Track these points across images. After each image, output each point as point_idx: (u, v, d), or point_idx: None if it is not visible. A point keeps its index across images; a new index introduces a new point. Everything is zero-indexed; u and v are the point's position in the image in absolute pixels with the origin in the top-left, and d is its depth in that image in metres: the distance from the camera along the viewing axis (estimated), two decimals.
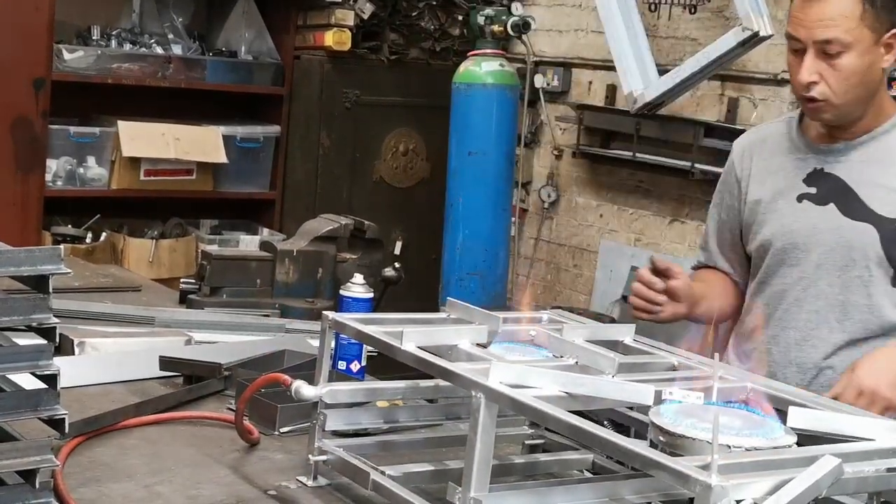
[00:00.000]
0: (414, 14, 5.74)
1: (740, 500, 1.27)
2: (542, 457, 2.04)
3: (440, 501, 1.69)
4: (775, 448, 1.45)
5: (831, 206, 2.34)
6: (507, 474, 1.92)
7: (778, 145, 2.45)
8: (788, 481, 1.30)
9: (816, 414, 1.57)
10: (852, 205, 2.31)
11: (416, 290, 4.99)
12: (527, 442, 2.12)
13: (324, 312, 1.91)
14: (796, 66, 2.28)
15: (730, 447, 1.43)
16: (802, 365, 2.35)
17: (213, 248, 3.45)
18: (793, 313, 2.38)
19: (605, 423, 1.90)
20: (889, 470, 1.42)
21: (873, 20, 2.23)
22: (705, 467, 1.29)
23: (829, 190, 2.34)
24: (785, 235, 2.38)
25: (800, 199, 2.37)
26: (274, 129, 5.60)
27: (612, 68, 5.12)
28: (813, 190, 2.36)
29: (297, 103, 5.63)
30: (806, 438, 1.53)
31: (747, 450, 1.43)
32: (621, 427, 1.90)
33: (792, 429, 1.54)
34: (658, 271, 2.38)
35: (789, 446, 1.47)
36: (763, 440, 1.47)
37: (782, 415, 1.57)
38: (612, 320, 4.90)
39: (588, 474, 1.97)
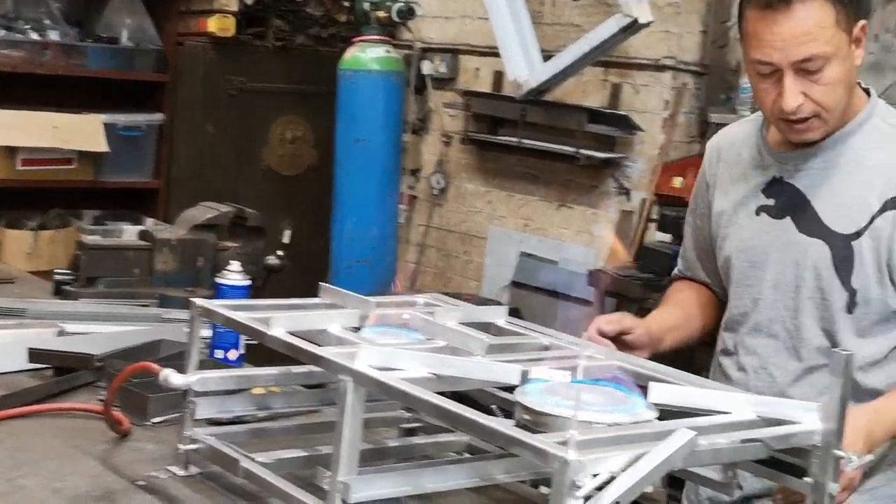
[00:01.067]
0: (300, 0, 5.70)
1: (596, 475, 1.28)
2: (417, 439, 2.04)
3: (311, 487, 1.68)
4: (635, 423, 1.47)
5: (787, 220, 2.09)
6: (381, 458, 1.92)
7: (744, 150, 2.20)
8: (644, 455, 1.32)
9: (676, 389, 1.59)
10: (806, 219, 2.07)
11: (306, 280, 4.94)
12: (402, 425, 2.12)
13: (191, 300, 1.88)
14: (769, 90, 2.01)
15: (591, 423, 1.45)
16: (762, 394, 1.99)
17: (88, 238, 3.38)
18: (753, 337, 2.15)
19: (493, 407, 1.90)
20: (744, 441, 1.45)
21: (845, 21, 1.98)
22: (564, 443, 1.31)
23: (786, 202, 2.10)
24: (743, 252, 2.16)
25: (758, 211, 2.13)
26: (157, 117, 5.52)
27: (499, 54, 5.14)
28: (771, 202, 2.12)
29: (180, 90, 5.55)
30: (672, 414, 1.55)
31: (609, 426, 1.45)
32: (508, 413, 1.89)
33: (654, 404, 1.57)
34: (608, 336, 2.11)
35: (649, 421, 1.49)
36: (625, 416, 1.49)
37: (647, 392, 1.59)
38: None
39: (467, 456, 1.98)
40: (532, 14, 5.18)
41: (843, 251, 2.03)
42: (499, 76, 5.49)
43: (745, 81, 4.31)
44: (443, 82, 5.79)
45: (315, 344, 1.75)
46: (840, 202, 2.04)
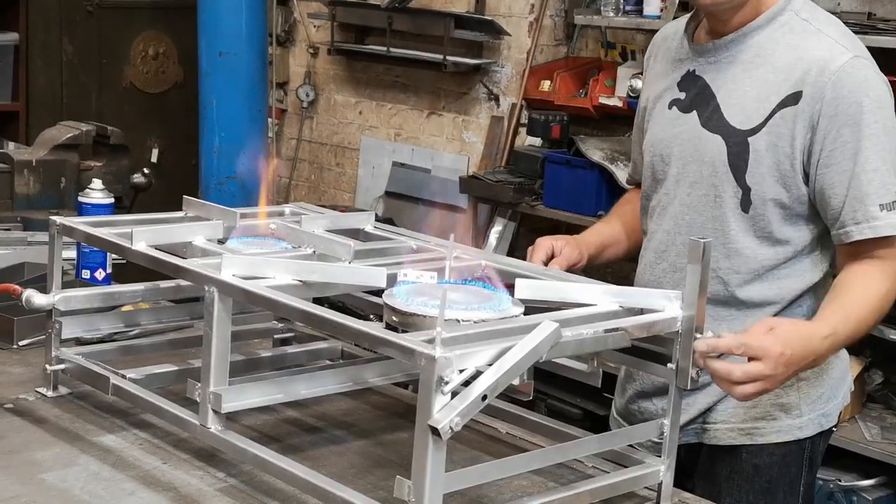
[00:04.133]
0: None
1: (463, 370, 1.30)
2: (291, 349, 2.05)
3: (184, 401, 1.67)
4: (501, 319, 1.49)
5: (693, 113, 2.07)
6: (255, 368, 1.92)
7: (672, 43, 2.17)
8: (510, 348, 1.34)
9: (541, 283, 1.62)
10: (709, 113, 2.04)
11: (177, 199, 4.88)
12: (276, 336, 2.12)
13: (51, 217, 1.84)
14: None
15: (458, 321, 1.47)
16: (658, 284, 2.06)
17: None
18: (653, 233, 2.14)
19: (372, 316, 1.91)
20: (606, 331, 1.49)
21: None
22: (430, 341, 1.32)
23: (695, 95, 2.07)
24: (654, 146, 2.13)
25: (670, 105, 2.11)
26: (11, 37, 5.32)
27: None
28: (682, 95, 2.09)
29: (34, 8, 5.35)
30: (539, 311, 1.57)
31: (475, 323, 1.47)
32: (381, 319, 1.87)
33: (520, 300, 1.59)
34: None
35: (515, 317, 1.51)
36: (491, 313, 1.51)
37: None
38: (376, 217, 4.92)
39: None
40: None
41: (738, 147, 1.99)
42: None
43: None
44: None
45: (180, 257, 1.73)
46: (740, 97, 2.00)
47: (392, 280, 1.62)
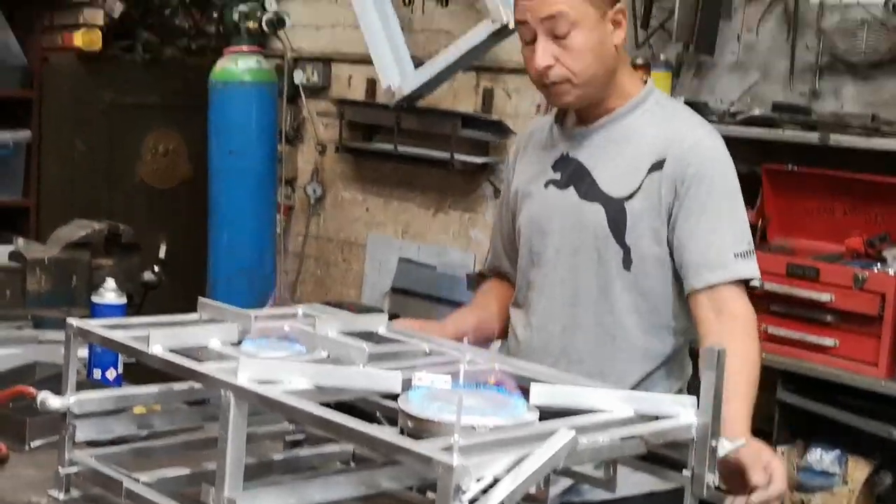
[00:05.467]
0: (167, 12, 5.64)
1: (480, 479, 1.31)
2: (302, 452, 2.04)
3: None
4: (517, 426, 1.49)
5: (571, 189, 2.33)
6: (267, 472, 1.92)
7: (540, 135, 2.45)
8: (527, 457, 1.34)
9: (556, 389, 1.62)
10: (588, 187, 2.30)
11: (185, 294, 4.89)
12: (288, 438, 2.12)
13: (68, 320, 1.85)
14: (531, 55, 2.26)
15: (474, 428, 1.47)
16: (539, 353, 2.28)
17: None
18: (534, 301, 2.36)
19: (380, 416, 1.91)
20: (622, 439, 1.49)
21: None
22: (447, 449, 1.32)
23: (571, 174, 2.33)
24: (532, 222, 2.38)
25: (546, 184, 2.36)
26: (24, 135, 5.40)
27: (371, 62, 5.15)
28: (558, 175, 2.35)
29: (48, 107, 5.44)
30: (553, 415, 1.58)
31: (491, 429, 1.47)
32: (393, 421, 1.89)
33: (535, 406, 1.59)
34: None
35: (531, 423, 1.51)
36: (507, 419, 1.51)
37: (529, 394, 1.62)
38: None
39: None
40: (402, 21, 5.20)
41: (616, 212, 2.25)
42: (372, 84, 5.50)
43: None
44: (316, 91, 5.77)
45: (195, 360, 1.74)
46: (615, 169, 2.28)
47: (407, 384, 1.63)
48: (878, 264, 3.57)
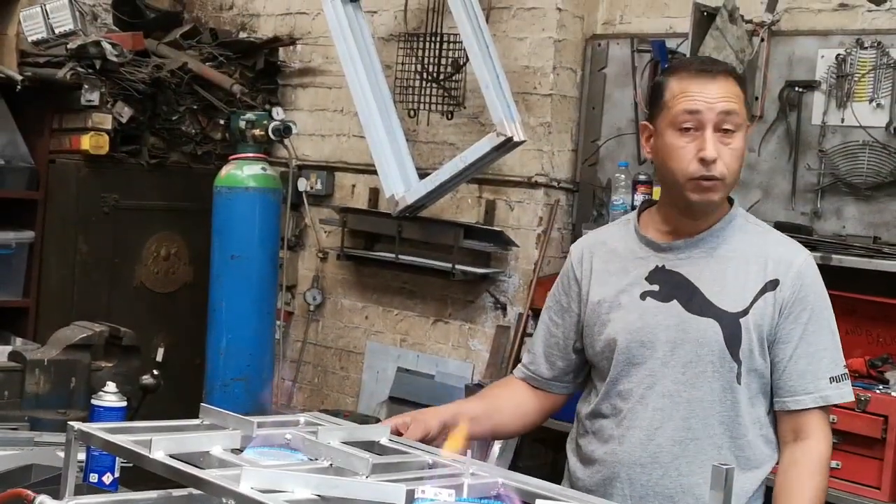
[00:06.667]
0: (175, 118, 5.70)
1: None
2: None
3: None
4: None
5: (674, 302, 2.31)
6: None
7: (618, 246, 2.42)
8: None
9: None
10: (695, 300, 2.30)
11: (182, 398, 4.87)
12: None
13: (69, 423, 1.84)
14: (687, 147, 2.25)
15: None
16: (646, 465, 2.30)
17: None
18: (638, 412, 2.32)
19: None
20: None
21: (747, 108, 2.33)
22: None
23: (672, 287, 2.32)
24: (630, 333, 2.33)
25: (643, 296, 2.34)
26: (28, 235, 5.42)
27: (375, 172, 5.20)
28: (656, 287, 2.33)
29: (52, 208, 5.47)
30: None
31: None
32: None
33: None
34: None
35: None
36: None
37: None
38: (378, 421, 4.90)
39: None
40: (407, 133, 5.26)
41: (732, 328, 2.28)
42: (375, 193, 5.55)
43: (616, 198, 4.44)
44: (319, 199, 5.81)
45: (197, 467, 1.73)
46: (724, 285, 2.30)
47: (410, 496, 1.62)
48: (881, 386, 3.56)
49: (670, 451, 2.29)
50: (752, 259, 2.31)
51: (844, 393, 2.32)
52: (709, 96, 2.25)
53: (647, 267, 2.35)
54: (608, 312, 2.37)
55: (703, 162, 2.24)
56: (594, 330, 2.40)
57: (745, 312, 2.28)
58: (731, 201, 2.39)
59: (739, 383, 2.28)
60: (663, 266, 2.34)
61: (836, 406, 2.39)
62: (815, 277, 2.34)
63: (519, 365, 2.59)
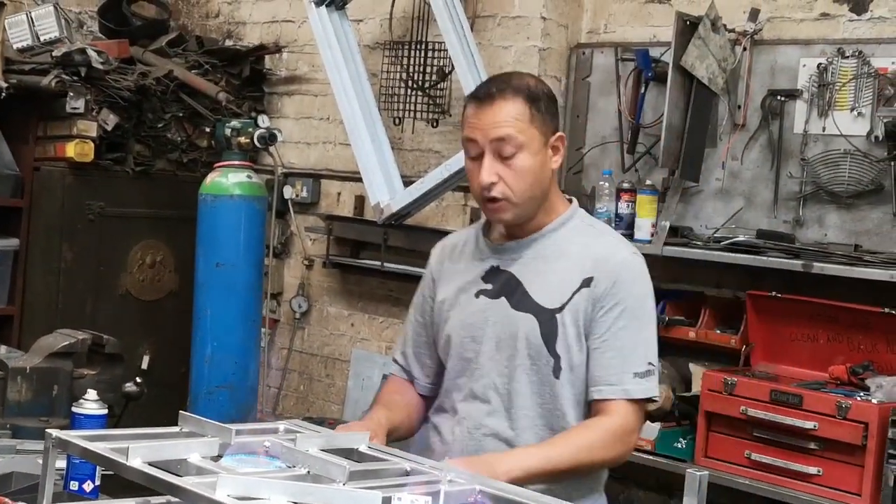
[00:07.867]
0: (160, 126, 5.69)
1: None
2: None
3: None
4: None
5: (502, 299, 2.45)
6: None
7: (465, 249, 2.57)
8: None
9: None
10: (520, 298, 2.43)
11: (167, 406, 4.86)
12: None
13: (47, 430, 1.84)
14: (475, 170, 2.40)
15: None
16: (473, 453, 2.39)
17: None
18: (468, 403, 2.47)
19: None
20: None
21: (540, 123, 2.41)
22: None
23: (502, 285, 2.46)
24: (463, 329, 2.49)
25: (477, 294, 2.49)
26: (12, 243, 5.41)
27: (361, 179, 5.21)
28: (489, 286, 2.48)
29: (37, 216, 5.46)
30: None
31: None
32: None
33: None
34: None
35: None
36: None
37: None
38: None
39: None
40: (392, 140, 5.27)
41: (548, 323, 2.40)
42: (360, 200, 5.55)
43: (600, 206, 4.45)
44: (305, 206, 5.81)
45: (174, 474, 1.73)
46: (546, 283, 2.43)
47: (386, 503, 1.62)
48: (862, 393, 3.57)
49: (494, 445, 2.41)
50: (576, 258, 2.44)
51: (648, 388, 2.40)
52: (485, 123, 2.38)
53: (483, 267, 2.50)
54: (448, 310, 2.53)
55: (482, 186, 2.38)
56: (439, 328, 2.56)
57: (561, 308, 2.40)
58: (571, 201, 2.53)
59: (557, 377, 2.40)
60: (497, 266, 2.48)
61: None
62: (636, 275, 2.44)
63: (395, 366, 2.70)
